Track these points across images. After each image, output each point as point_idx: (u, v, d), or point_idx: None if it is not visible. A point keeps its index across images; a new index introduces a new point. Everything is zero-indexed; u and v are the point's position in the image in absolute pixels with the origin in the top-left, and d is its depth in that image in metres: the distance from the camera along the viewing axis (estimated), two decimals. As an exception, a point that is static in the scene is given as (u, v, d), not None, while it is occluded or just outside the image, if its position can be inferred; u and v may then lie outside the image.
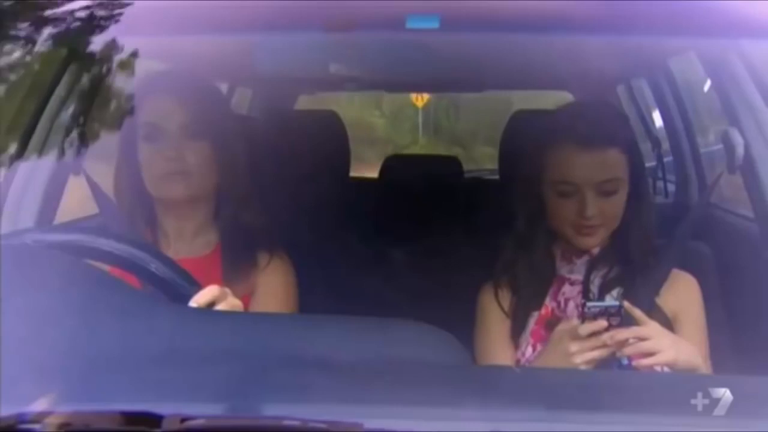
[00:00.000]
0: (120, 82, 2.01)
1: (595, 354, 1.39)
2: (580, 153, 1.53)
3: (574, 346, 1.39)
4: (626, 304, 1.40)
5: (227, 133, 1.67)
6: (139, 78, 1.75)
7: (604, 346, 1.38)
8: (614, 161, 1.55)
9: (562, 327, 1.46)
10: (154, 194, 1.65)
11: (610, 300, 1.55)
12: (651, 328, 1.40)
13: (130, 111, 1.66)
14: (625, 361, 1.40)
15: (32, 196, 1.87)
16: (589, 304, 1.40)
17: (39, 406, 0.98)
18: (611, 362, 1.40)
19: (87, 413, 0.98)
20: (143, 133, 1.63)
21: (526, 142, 1.66)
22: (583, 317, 1.39)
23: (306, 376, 1.04)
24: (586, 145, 1.53)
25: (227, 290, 1.30)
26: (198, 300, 1.22)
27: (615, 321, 1.38)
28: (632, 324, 1.40)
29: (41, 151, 1.89)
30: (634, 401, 1.08)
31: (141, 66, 2.00)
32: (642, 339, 1.39)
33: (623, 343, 1.38)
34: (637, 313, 1.40)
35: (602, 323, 1.38)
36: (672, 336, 1.45)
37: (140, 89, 1.67)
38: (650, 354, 1.38)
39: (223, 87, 3.16)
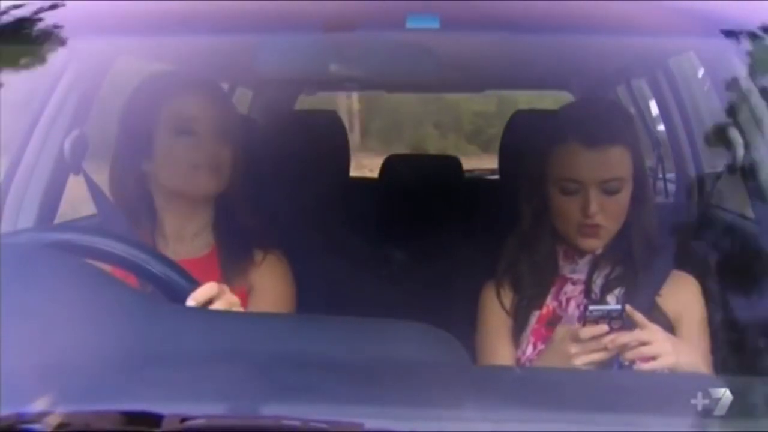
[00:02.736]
0: (120, 82, 2.01)
1: (596, 357, 1.38)
2: (585, 151, 1.54)
3: (574, 348, 1.39)
4: (628, 307, 1.40)
5: (245, 135, 1.69)
6: (161, 75, 1.76)
7: (605, 349, 1.38)
8: (619, 160, 1.55)
9: (562, 328, 1.46)
10: (178, 188, 1.65)
11: (612, 301, 1.55)
12: (652, 331, 1.40)
13: (144, 107, 1.65)
14: (626, 363, 1.40)
15: (32, 196, 1.87)
16: (591, 307, 1.40)
17: (39, 406, 0.98)
18: (612, 363, 1.40)
19: (87, 413, 0.98)
20: (174, 126, 1.63)
21: (529, 141, 1.66)
22: (585, 320, 1.39)
23: (306, 376, 1.04)
24: (591, 143, 1.54)
25: (225, 287, 1.30)
26: (196, 297, 1.22)
27: (616, 324, 1.38)
28: (633, 327, 1.39)
29: (41, 151, 1.89)
30: (635, 401, 1.08)
31: (141, 66, 2.00)
32: (643, 343, 1.38)
33: (624, 346, 1.38)
34: (639, 317, 1.40)
35: (603, 327, 1.38)
36: (673, 339, 1.45)
37: (167, 85, 1.68)
38: (651, 358, 1.38)
39: (224, 87, 3.16)
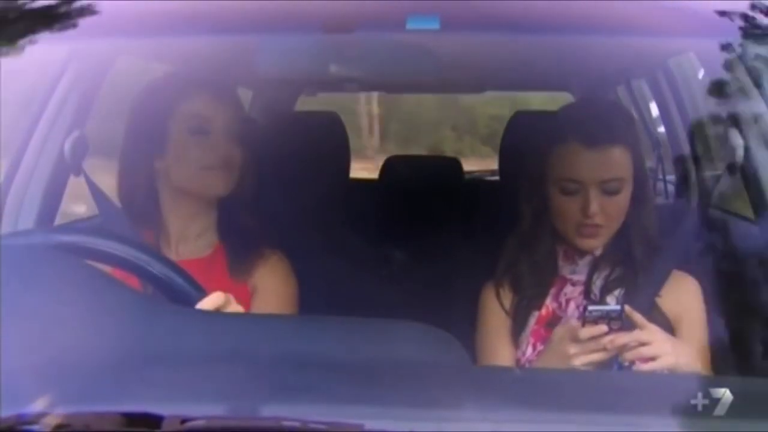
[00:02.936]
0: (121, 82, 2.02)
1: (595, 357, 1.38)
2: (585, 151, 1.54)
3: (573, 349, 1.39)
4: (627, 308, 1.40)
5: (253, 137, 1.70)
6: (175, 74, 1.78)
7: (604, 349, 1.38)
8: (619, 160, 1.55)
9: (561, 329, 1.46)
10: (189, 188, 1.65)
11: (612, 302, 1.55)
12: (651, 332, 1.40)
13: (156, 107, 1.65)
14: (625, 363, 1.39)
15: (32, 196, 1.87)
16: (590, 308, 1.40)
17: (39, 406, 0.98)
18: (611, 364, 1.40)
19: (87, 414, 0.98)
20: (189, 126, 1.63)
21: (529, 141, 1.66)
22: (584, 321, 1.39)
23: (306, 376, 1.04)
24: (592, 143, 1.54)
25: (231, 297, 1.30)
26: (203, 306, 1.23)
27: (615, 325, 1.38)
28: (633, 328, 1.39)
29: (41, 151, 1.89)
30: (634, 401, 1.08)
31: (141, 66, 2.00)
32: (642, 343, 1.38)
33: (623, 347, 1.38)
34: (638, 317, 1.40)
35: (602, 327, 1.38)
36: (672, 340, 1.45)
37: (180, 85, 1.68)
38: (650, 359, 1.38)
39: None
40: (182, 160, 1.63)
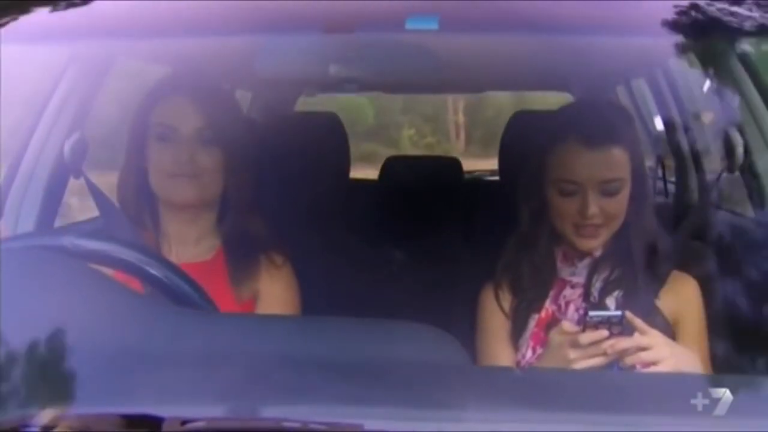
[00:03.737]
0: (120, 83, 2.02)
1: (595, 362, 1.38)
2: (583, 152, 1.53)
3: (573, 353, 1.39)
4: (628, 313, 1.40)
5: (239, 140, 1.66)
6: (152, 78, 1.75)
7: (604, 354, 1.38)
8: (617, 161, 1.55)
9: (561, 333, 1.45)
10: (160, 196, 1.64)
11: (611, 304, 1.55)
12: (651, 337, 1.40)
13: (138, 112, 1.65)
14: (625, 368, 1.39)
15: (32, 197, 1.87)
16: (591, 313, 1.40)
17: (39, 407, 0.98)
18: (611, 368, 1.39)
19: (87, 416, 0.98)
20: (156, 132, 1.61)
21: (528, 141, 1.66)
22: (585, 326, 1.39)
23: (306, 377, 1.04)
24: (590, 144, 1.53)
25: None
26: None
27: (616, 330, 1.37)
28: (633, 332, 1.39)
29: (41, 152, 1.89)
30: (635, 401, 1.08)
31: (141, 67, 2.00)
32: (642, 348, 1.38)
33: (623, 352, 1.38)
34: (638, 322, 1.39)
35: (603, 332, 1.37)
36: (672, 345, 1.45)
37: (155, 89, 1.66)
38: (650, 364, 1.38)
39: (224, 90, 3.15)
40: (153, 167, 1.62)
